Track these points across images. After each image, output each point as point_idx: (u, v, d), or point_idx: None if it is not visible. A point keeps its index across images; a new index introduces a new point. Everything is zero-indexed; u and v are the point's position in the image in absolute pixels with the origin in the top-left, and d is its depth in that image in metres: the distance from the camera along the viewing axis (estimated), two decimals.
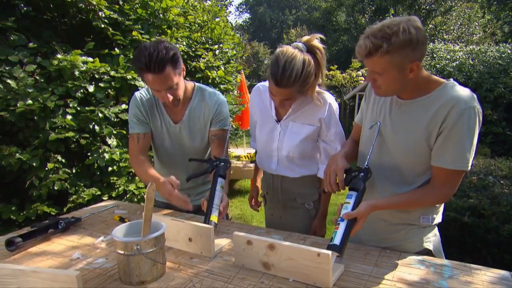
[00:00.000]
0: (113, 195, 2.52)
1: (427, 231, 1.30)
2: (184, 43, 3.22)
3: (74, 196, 2.38)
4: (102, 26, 2.54)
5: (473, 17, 19.73)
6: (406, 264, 1.17)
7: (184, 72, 1.56)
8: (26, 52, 2.20)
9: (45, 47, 2.34)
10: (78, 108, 2.37)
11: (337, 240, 1.07)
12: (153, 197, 1.10)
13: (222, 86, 3.73)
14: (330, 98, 1.58)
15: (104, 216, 1.67)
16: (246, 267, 1.17)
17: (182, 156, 1.69)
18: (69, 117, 2.31)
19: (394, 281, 1.06)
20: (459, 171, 1.14)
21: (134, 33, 2.67)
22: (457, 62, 7.56)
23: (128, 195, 2.64)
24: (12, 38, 2.18)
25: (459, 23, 19.67)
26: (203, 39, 3.60)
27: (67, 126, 2.30)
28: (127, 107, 2.08)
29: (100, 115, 2.42)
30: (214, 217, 1.38)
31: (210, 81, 3.50)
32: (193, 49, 3.38)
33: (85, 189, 2.45)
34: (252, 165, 5.42)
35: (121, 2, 2.73)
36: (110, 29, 2.59)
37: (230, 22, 5.19)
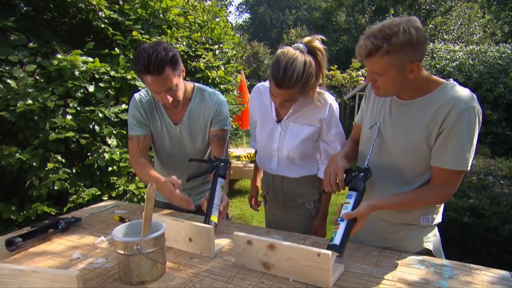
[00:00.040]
0: (113, 195, 2.52)
1: (427, 231, 1.30)
2: (184, 43, 3.22)
3: (74, 196, 2.38)
4: (102, 26, 2.54)
5: (473, 17, 19.73)
6: (406, 264, 1.17)
7: (184, 73, 1.55)
8: (26, 52, 2.20)
9: (45, 47, 2.34)
10: (78, 108, 2.37)
11: (337, 240, 1.07)
12: (153, 197, 1.10)
13: (222, 86, 3.73)
14: (330, 98, 1.58)
15: (104, 216, 1.67)
16: (246, 267, 1.17)
17: (182, 157, 1.69)
18: (69, 117, 2.31)
19: (394, 281, 1.06)
20: (459, 171, 1.14)
21: (134, 33, 2.67)
22: (457, 62, 7.56)
23: (128, 195, 2.64)
24: (12, 38, 2.18)
25: (459, 23, 19.67)
26: (203, 39, 3.60)
27: (67, 126, 2.30)
28: (127, 107, 2.08)
29: (100, 115, 2.42)
30: (214, 217, 1.38)
31: (210, 81, 3.50)
32: (193, 49, 3.38)
33: (85, 189, 2.45)
34: (252, 165, 5.42)
35: (121, 2, 2.73)
36: (110, 29, 2.59)
37: (230, 22, 5.20)
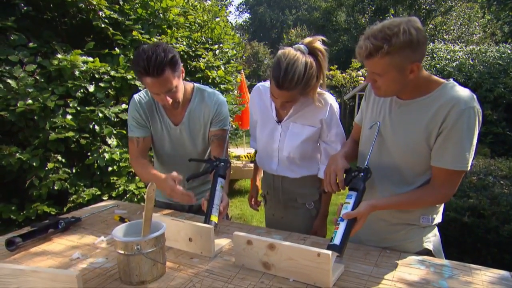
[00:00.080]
0: (113, 195, 2.52)
1: (427, 231, 1.30)
2: (184, 43, 3.22)
3: (74, 196, 2.39)
4: (102, 26, 2.54)
5: (473, 17, 19.73)
6: (406, 264, 1.17)
7: (183, 74, 1.55)
8: (26, 51, 2.20)
9: (45, 47, 2.35)
10: (78, 108, 2.37)
11: (337, 240, 1.07)
12: (153, 197, 1.10)
13: (222, 86, 3.73)
14: (331, 99, 1.57)
15: (104, 216, 1.67)
16: (246, 267, 1.17)
17: (183, 157, 1.69)
18: (69, 117, 2.31)
19: (394, 281, 1.06)
20: (459, 171, 1.14)
21: (134, 33, 2.67)
22: (457, 62, 7.56)
23: (128, 195, 2.64)
24: (12, 38, 2.18)
25: (459, 23, 19.67)
26: (203, 39, 3.60)
27: (67, 126, 2.30)
28: (127, 107, 2.08)
29: (100, 115, 2.42)
30: (214, 217, 1.38)
31: (210, 81, 3.50)
32: (193, 49, 3.39)
33: (85, 189, 2.45)
34: (252, 165, 5.42)
35: (121, 2, 2.73)
36: (110, 29, 2.59)
37: (230, 22, 5.20)
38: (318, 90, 1.52)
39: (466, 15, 19.74)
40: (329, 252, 1.02)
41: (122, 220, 1.58)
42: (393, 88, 1.17)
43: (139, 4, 2.82)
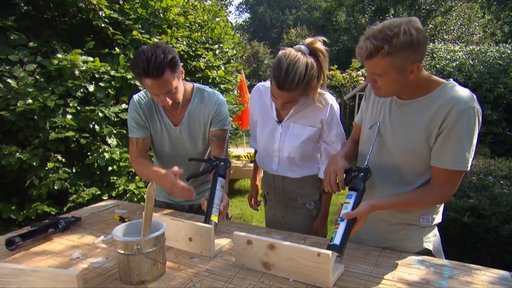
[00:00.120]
0: (113, 194, 2.52)
1: (427, 231, 1.30)
2: (184, 42, 3.22)
3: (74, 196, 2.39)
4: (102, 25, 2.54)
5: (473, 17, 19.73)
6: (406, 264, 1.17)
7: (183, 75, 1.55)
8: (26, 51, 2.20)
9: (45, 47, 2.34)
10: (78, 108, 2.37)
11: (337, 240, 1.07)
12: (153, 196, 1.10)
13: (222, 86, 3.73)
14: (331, 99, 1.57)
15: (104, 215, 1.67)
16: (246, 267, 1.17)
17: (182, 157, 1.68)
18: (69, 116, 2.31)
19: (394, 281, 1.06)
20: (459, 171, 1.14)
21: (134, 32, 2.66)
22: (457, 62, 7.56)
23: (128, 195, 2.64)
24: (12, 37, 2.18)
25: (459, 23, 19.67)
26: (203, 38, 3.60)
27: (67, 125, 2.30)
28: (127, 106, 2.09)
29: (100, 114, 2.42)
30: (214, 217, 1.38)
31: (210, 80, 3.50)
32: (193, 48, 3.39)
33: (85, 188, 2.45)
34: (252, 164, 5.42)
35: (121, 2, 2.73)
36: (111, 28, 2.59)
37: (230, 22, 5.20)
38: (319, 90, 1.52)
39: (466, 15, 19.75)
40: (329, 252, 1.02)
41: (122, 219, 1.58)
42: (393, 89, 1.17)
43: (139, 4, 2.82)
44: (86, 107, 2.39)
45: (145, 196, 1.10)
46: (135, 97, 1.64)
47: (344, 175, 1.22)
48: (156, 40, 2.81)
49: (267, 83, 1.67)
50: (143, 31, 2.74)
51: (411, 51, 1.05)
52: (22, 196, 2.33)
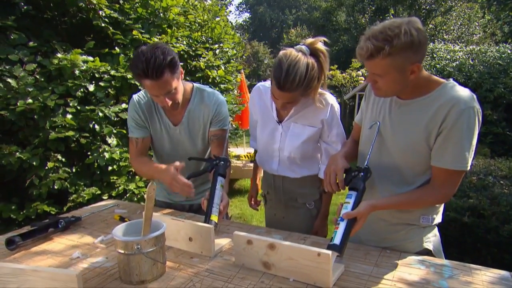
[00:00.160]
0: (113, 194, 2.52)
1: (427, 231, 1.30)
2: (185, 42, 3.22)
3: (74, 195, 2.39)
4: (103, 25, 2.54)
5: (473, 17, 19.73)
6: (406, 264, 1.17)
7: (183, 75, 1.54)
8: (26, 51, 2.20)
9: (45, 46, 2.34)
10: (78, 107, 2.37)
11: (337, 240, 1.07)
12: (153, 196, 1.10)
13: (222, 86, 3.73)
14: (331, 99, 1.57)
15: (104, 215, 1.67)
16: (246, 267, 1.17)
17: (182, 157, 1.68)
18: (69, 116, 2.31)
19: (394, 281, 1.06)
20: (459, 171, 1.14)
21: (134, 32, 2.66)
22: (457, 62, 7.56)
23: (128, 194, 2.64)
24: (12, 37, 2.18)
25: (459, 23, 19.67)
26: (203, 38, 3.60)
27: (67, 125, 2.30)
28: (127, 106, 2.09)
29: (100, 114, 2.42)
30: (214, 217, 1.38)
31: (210, 80, 3.50)
32: (193, 48, 3.38)
33: (85, 188, 2.45)
34: (252, 164, 5.42)
35: (121, 1, 2.73)
36: (111, 28, 2.59)
37: (230, 22, 5.20)
38: (319, 90, 1.51)
39: (466, 15, 19.74)
40: (329, 252, 1.02)
41: (122, 219, 1.58)
42: (393, 89, 1.17)
43: (139, 4, 2.82)
44: (86, 107, 2.39)
45: (145, 195, 1.10)
46: (135, 97, 1.64)
47: (344, 175, 1.22)
48: (156, 39, 2.81)
49: (267, 83, 1.67)
50: (143, 31, 2.74)
51: (412, 52, 1.05)
52: (22, 196, 2.33)
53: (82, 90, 2.39)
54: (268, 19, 40.48)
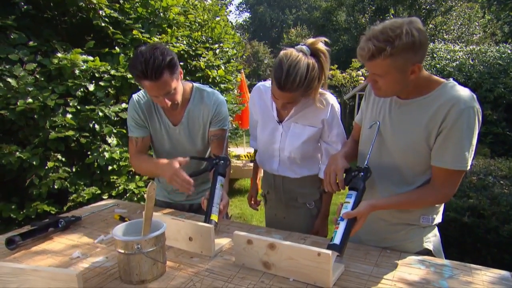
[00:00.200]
0: (113, 194, 2.52)
1: (427, 231, 1.30)
2: (185, 42, 3.21)
3: (74, 195, 2.39)
4: (103, 24, 2.54)
5: (473, 17, 19.72)
6: (406, 264, 1.17)
7: (182, 75, 1.54)
8: (26, 50, 2.19)
9: (45, 46, 2.34)
10: (78, 107, 2.36)
11: (337, 240, 1.07)
12: (153, 196, 1.10)
13: (222, 85, 3.73)
14: (332, 99, 1.57)
15: (104, 215, 1.67)
16: (246, 267, 1.17)
17: (182, 157, 1.68)
18: (69, 115, 2.31)
19: (394, 281, 1.06)
20: (459, 171, 1.14)
21: (134, 32, 2.66)
22: (457, 62, 7.56)
23: (128, 194, 2.64)
24: (12, 37, 2.17)
25: (459, 23, 19.66)
26: (204, 38, 3.59)
27: (67, 125, 2.30)
28: (127, 106, 2.09)
29: (100, 114, 2.42)
30: (214, 216, 1.38)
31: (210, 80, 3.50)
32: (193, 48, 3.38)
33: (85, 188, 2.45)
34: (252, 164, 5.42)
35: (121, 1, 2.73)
36: (111, 28, 2.59)
37: (230, 21, 5.20)
38: (320, 90, 1.51)
39: (466, 15, 19.73)
40: (329, 251, 1.02)
41: (122, 219, 1.58)
42: (393, 89, 1.17)
43: (140, 3, 2.82)
44: (86, 107, 2.39)
45: (145, 195, 1.10)
46: (134, 96, 1.64)
47: (344, 174, 1.22)
48: (156, 39, 2.80)
49: (268, 83, 1.67)
50: (143, 31, 2.74)
51: (413, 52, 1.05)
52: (22, 195, 2.33)
53: (82, 89, 2.39)
54: (268, 19, 40.47)
